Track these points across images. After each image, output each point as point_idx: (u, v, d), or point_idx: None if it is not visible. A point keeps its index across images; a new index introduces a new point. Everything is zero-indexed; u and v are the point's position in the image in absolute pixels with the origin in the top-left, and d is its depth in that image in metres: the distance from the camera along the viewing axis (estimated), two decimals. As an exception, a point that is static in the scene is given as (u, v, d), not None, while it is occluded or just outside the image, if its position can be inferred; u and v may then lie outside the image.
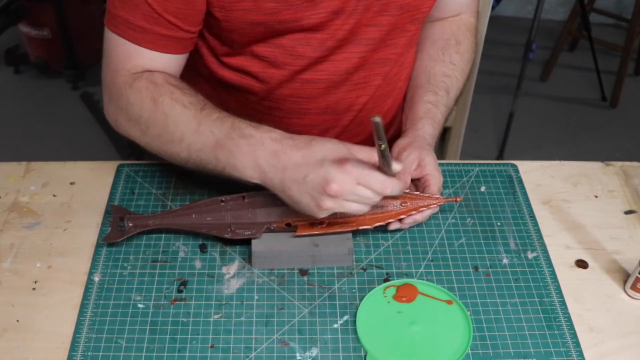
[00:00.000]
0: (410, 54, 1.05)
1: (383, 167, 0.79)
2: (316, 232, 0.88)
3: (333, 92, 0.99)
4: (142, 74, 0.88)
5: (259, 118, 1.00)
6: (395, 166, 0.79)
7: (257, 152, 0.80)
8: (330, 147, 0.79)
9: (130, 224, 0.90)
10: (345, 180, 0.76)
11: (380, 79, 1.01)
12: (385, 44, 0.97)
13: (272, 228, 0.89)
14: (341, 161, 0.77)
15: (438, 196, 0.92)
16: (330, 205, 0.78)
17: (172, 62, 0.91)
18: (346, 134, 1.06)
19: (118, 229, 0.90)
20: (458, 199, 0.94)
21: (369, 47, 0.95)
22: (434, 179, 0.93)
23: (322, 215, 0.80)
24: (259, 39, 0.91)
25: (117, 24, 0.87)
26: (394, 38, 0.98)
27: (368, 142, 1.08)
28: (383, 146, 0.75)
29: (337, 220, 0.89)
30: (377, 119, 0.71)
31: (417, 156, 0.93)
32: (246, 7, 0.86)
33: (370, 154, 0.82)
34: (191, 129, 0.83)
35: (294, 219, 0.89)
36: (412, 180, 0.95)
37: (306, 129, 1.03)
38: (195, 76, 1.02)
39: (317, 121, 1.03)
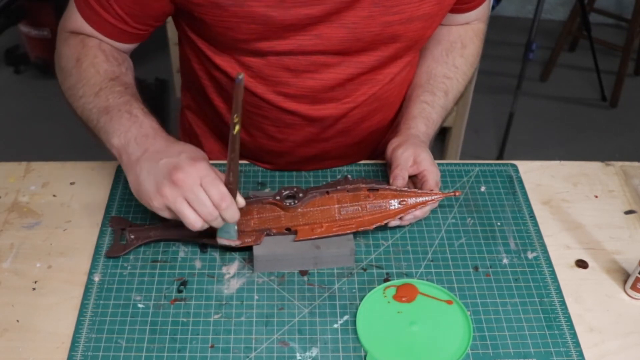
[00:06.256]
0: (404, 74, 1.03)
1: (228, 184, 0.80)
2: (316, 236, 0.88)
3: (317, 105, 0.99)
4: (80, 34, 0.93)
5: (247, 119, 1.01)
6: (240, 199, 0.82)
7: (132, 127, 0.83)
8: (192, 148, 0.82)
9: (132, 237, 0.90)
10: (191, 173, 0.77)
11: (367, 96, 1.00)
12: (376, 69, 0.96)
13: (272, 234, 0.89)
14: (196, 158, 0.79)
15: (436, 191, 0.92)
16: (167, 193, 0.78)
17: (114, 44, 0.94)
18: (330, 144, 1.06)
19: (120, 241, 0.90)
20: (457, 194, 0.94)
21: (359, 70, 0.95)
22: (431, 175, 0.93)
23: (155, 205, 0.79)
24: (244, 52, 0.91)
25: None
26: (387, 64, 0.97)
27: (354, 152, 1.08)
28: (232, 156, 0.77)
29: (336, 222, 0.89)
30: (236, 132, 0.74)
31: (412, 153, 0.93)
32: (231, 25, 0.86)
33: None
34: (92, 91, 0.88)
35: (292, 223, 0.89)
36: (410, 177, 0.95)
37: (291, 137, 1.03)
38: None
39: (302, 132, 1.03)
